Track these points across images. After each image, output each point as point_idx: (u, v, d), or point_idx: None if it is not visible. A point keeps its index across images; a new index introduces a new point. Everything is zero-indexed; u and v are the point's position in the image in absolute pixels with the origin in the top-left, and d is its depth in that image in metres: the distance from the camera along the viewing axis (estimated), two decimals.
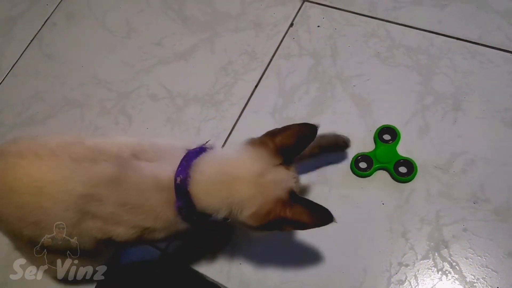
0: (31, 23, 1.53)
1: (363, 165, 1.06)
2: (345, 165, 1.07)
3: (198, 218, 0.79)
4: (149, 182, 0.77)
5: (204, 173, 0.76)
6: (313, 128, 0.77)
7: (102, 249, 0.87)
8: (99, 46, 1.43)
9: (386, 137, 1.08)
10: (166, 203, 0.77)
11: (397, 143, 1.06)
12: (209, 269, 1.02)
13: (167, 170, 0.77)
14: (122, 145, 0.80)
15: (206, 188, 0.76)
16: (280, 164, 0.77)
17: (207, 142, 0.85)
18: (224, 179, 0.76)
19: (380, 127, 1.09)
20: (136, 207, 0.77)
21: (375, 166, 1.04)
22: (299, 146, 0.78)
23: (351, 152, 1.07)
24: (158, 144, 0.83)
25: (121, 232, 0.79)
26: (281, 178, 0.77)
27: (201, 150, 0.81)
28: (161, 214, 0.78)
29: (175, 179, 0.76)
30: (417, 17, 1.24)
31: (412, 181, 1.03)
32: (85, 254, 0.84)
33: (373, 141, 1.09)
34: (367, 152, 1.06)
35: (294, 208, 0.73)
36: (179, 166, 0.77)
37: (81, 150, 0.78)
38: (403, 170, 1.04)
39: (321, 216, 0.72)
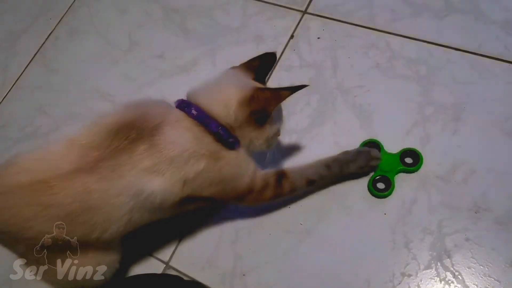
0: (35, 37, 1.55)
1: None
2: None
3: (231, 135, 0.89)
4: (182, 134, 0.85)
5: (200, 93, 0.91)
6: (272, 54, 1.00)
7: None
8: (101, 60, 1.44)
9: (408, 160, 1.07)
10: (201, 140, 0.86)
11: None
12: (212, 280, 1.02)
13: (177, 115, 0.87)
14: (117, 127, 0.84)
15: (211, 101, 0.88)
16: (253, 79, 0.94)
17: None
18: (216, 88, 0.91)
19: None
20: (190, 156, 0.84)
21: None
22: (265, 67, 0.99)
23: None
24: (144, 110, 0.88)
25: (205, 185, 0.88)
26: (256, 84, 0.93)
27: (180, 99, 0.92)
28: (205, 149, 0.85)
29: (192, 115, 0.86)
30: (416, 28, 1.25)
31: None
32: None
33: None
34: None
35: (271, 91, 0.89)
36: (184, 107, 0.88)
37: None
38: (381, 186, 1.04)
39: (294, 87, 0.87)
